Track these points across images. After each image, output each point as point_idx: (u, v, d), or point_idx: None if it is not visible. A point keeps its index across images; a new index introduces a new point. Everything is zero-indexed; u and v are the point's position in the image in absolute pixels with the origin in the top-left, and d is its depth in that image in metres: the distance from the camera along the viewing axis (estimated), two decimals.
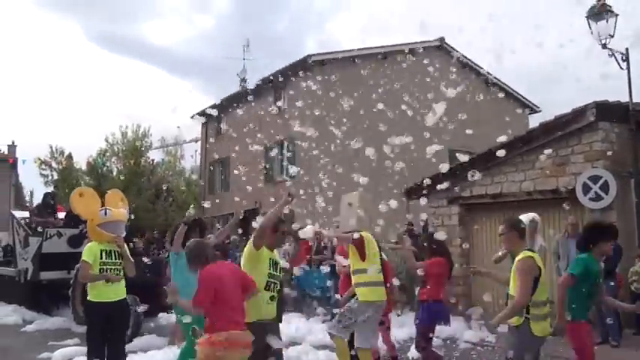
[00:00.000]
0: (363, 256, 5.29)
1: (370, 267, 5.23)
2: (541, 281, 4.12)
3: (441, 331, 8.35)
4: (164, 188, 28.36)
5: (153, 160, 30.54)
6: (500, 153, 7.32)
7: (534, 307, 4.09)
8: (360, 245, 5.28)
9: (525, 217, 6.09)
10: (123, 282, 5.26)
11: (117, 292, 5.16)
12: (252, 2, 66.62)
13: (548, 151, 8.65)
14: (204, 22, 65.24)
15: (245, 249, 4.32)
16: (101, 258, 5.10)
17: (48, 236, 9.81)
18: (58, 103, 67.05)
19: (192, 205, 8.82)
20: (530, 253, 4.19)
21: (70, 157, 29.61)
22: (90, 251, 5.09)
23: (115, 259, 5.21)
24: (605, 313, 7.70)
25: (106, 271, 5.11)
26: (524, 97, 22.95)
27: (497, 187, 10.57)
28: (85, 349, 7.38)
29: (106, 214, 5.27)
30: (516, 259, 4.21)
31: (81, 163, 29.53)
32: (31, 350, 7.63)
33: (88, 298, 5.14)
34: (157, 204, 27.42)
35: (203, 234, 5.86)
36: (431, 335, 6.10)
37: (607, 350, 7.40)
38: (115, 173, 29.03)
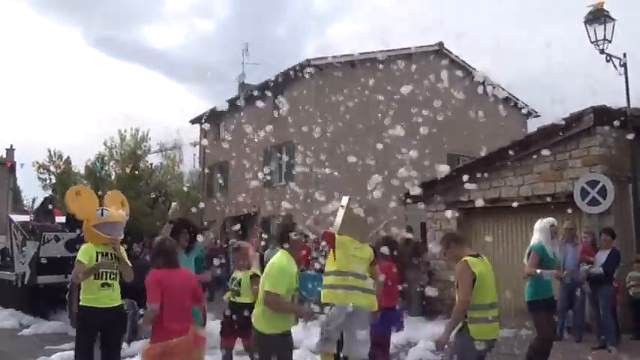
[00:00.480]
0: (334, 257, 5.25)
1: (342, 269, 5.15)
2: (482, 285, 4.20)
3: (435, 335, 8.34)
4: (161, 192, 28.31)
5: (151, 165, 30.53)
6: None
7: (474, 310, 4.17)
8: (331, 244, 5.25)
9: (547, 221, 6.31)
10: (118, 287, 5.05)
11: (112, 297, 4.94)
12: (253, 7, 66.81)
13: (545, 154, 8.71)
14: (204, 26, 65.33)
15: (271, 273, 4.23)
16: (97, 260, 4.89)
17: (45, 240, 9.79)
18: (56, 106, 67.11)
19: (174, 202, 8.36)
20: (466, 258, 4.30)
21: (68, 161, 29.60)
22: (85, 252, 4.89)
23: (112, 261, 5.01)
24: (603, 317, 7.70)
25: (102, 274, 4.92)
26: (523, 102, 22.98)
27: (495, 191, 10.57)
28: None
29: (102, 214, 5.02)
30: None
31: (79, 167, 29.52)
32: (28, 354, 7.59)
33: (81, 302, 4.89)
34: (155, 208, 27.39)
35: (193, 235, 5.87)
36: (393, 341, 6.20)
37: (605, 355, 7.40)
38: (113, 177, 29.01)
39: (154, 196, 26.02)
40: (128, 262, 5.20)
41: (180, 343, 3.92)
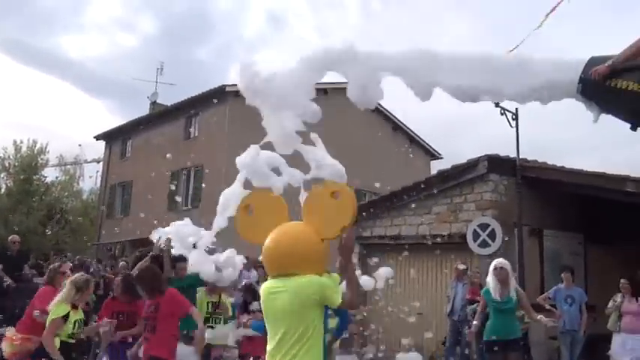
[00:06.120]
0: None
1: None
2: None
3: None
4: (56, 209, 26.68)
5: (45, 178, 28.75)
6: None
7: None
8: None
9: (494, 262, 6.27)
10: None
11: None
12: (180, 27, 65.23)
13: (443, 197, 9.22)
14: (126, 42, 62.50)
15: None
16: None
17: None
18: None
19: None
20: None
21: None
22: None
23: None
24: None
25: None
26: (427, 144, 24.19)
27: (396, 229, 10.99)
28: None
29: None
30: None
31: None
32: None
33: None
34: (48, 226, 25.74)
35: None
36: None
37: None
38: (2, 190, 26.99)
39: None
40: None
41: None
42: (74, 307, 4.83)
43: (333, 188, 3.02)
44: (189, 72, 62.12)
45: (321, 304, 2.83)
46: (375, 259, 10.31)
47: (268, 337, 2.90)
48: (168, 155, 15.40)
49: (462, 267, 8.99)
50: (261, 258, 3.02)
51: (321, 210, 2.96)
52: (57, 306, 4.78)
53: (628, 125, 2.89)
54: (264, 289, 2.97)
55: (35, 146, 28.04)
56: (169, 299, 4.78)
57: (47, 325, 4.74)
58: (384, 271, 6.73)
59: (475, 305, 8.31)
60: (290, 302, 2.77)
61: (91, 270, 12.36)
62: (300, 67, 3.66)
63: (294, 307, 2.78)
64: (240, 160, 4.54)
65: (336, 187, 3.03)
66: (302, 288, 2.80)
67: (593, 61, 2.84)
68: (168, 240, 5.74)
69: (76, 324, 4.85)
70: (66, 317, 4.74)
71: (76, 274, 5.20)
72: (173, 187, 19.36)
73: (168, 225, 6.17)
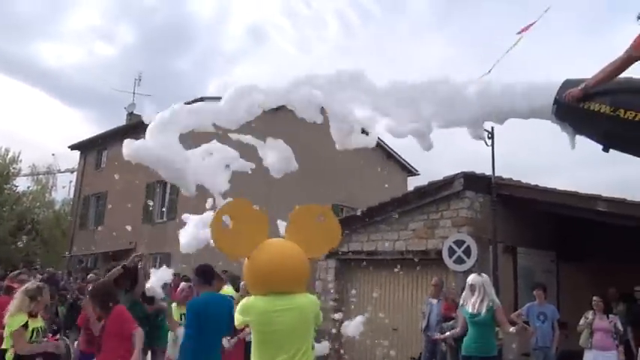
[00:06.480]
0: None
1: None
2: None
3: None
4: (27, 220, 26.09)
5: (17, 187, 28.16)
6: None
7: None
8: None
9: (468, 279, 6.45)
10: None
11: None
12: (160, 38, 64.95)
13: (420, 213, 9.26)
14: (105, 51, 61.63)
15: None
16: None
17: None
18: None
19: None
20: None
21: None
22: None
23: None
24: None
25: None
26: (404, 160, 24.37)
27: (373, 244, 11.00)
28: None
29: None
30: None
31: None
32: None
33: None
34: (18, 237, 25.17)
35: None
36: None
37: None
38: None
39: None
40: None
41: None
42: (32, 315, 4.71)
43: (317, 210, 3.12)
44: (167, 83, 61.78)
45: (315, 322, 2.89)
46: (354, 291, 10.35)
47: (258, 357, 2.78)
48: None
49: (434, 301, 8.91)
50: (257, 273, 2.86)
51: (307, 231, 2.99)
52: (13, 318, 4.65)
53: (600, 146, 2.96)
54: (260, 307, 2.79)
55: (7, 155, 27.54)
56: (115, 317, 4.53)
57: (13, 339, 4.61)
58: (355, 326, 6.71)
59: (452, 322, 8.35)
60: (300, 321, 2.78)
61: (62, 283, 12.10)
62: (155, 132, 3.98)
63: (302, 325, 2.79)
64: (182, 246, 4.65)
65: (320, 209, 3.14)
66: (307, 306, 2.83)
67: (568, 84, 2.90)
68: (143, 255, 5.68)
69: (34, 332, 4.70)
70: (25, 326, 4.64)
71: (27, 283, 5.07)
72: (151, 203, 19.08)
73: (143, 236, 6.19)
